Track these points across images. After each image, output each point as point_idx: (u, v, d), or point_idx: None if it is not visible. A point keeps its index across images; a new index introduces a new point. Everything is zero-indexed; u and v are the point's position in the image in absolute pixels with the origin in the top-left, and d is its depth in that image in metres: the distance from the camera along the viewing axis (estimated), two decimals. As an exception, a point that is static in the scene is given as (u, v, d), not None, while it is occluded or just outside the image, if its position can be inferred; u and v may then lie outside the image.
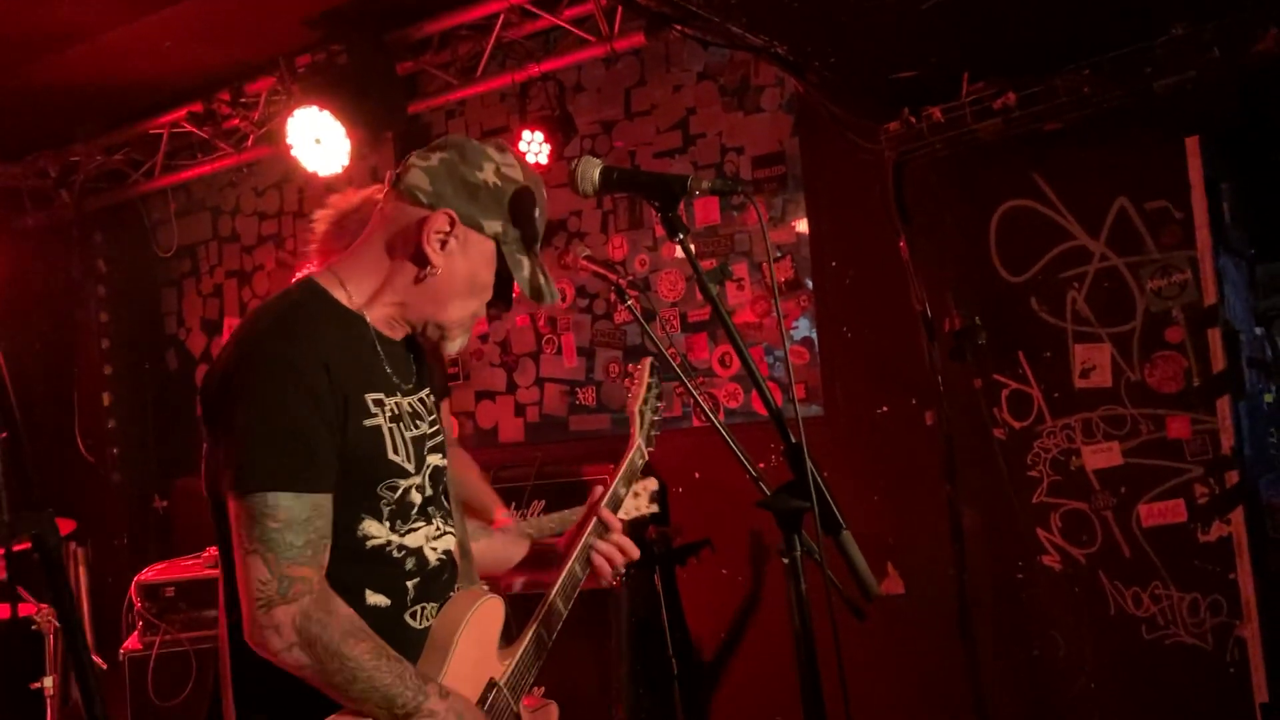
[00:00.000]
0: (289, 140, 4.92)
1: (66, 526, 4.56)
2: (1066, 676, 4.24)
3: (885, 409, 4.59)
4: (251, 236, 6.63)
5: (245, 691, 1.74)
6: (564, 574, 2.06)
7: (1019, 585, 4.34)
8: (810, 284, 4.87)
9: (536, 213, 1.81)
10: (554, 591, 2.03)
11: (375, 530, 1.74)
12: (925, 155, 4.35)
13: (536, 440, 5.46)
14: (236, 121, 5.56)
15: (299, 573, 1.62)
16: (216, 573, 4.83)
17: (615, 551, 2.11)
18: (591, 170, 1.81)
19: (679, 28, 3.91)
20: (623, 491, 2.22)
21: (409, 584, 1.80)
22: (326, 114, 4.82)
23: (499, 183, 1.78)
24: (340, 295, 1.79)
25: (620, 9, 4.47)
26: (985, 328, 4.37)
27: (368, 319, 1.79)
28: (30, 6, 4.42)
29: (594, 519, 2.12)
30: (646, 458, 2.36)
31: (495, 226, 1.78)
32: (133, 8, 4.52)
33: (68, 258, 6.57)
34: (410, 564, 1.80)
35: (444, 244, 1.76)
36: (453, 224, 1.75)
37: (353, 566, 1.72)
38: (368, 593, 1.74)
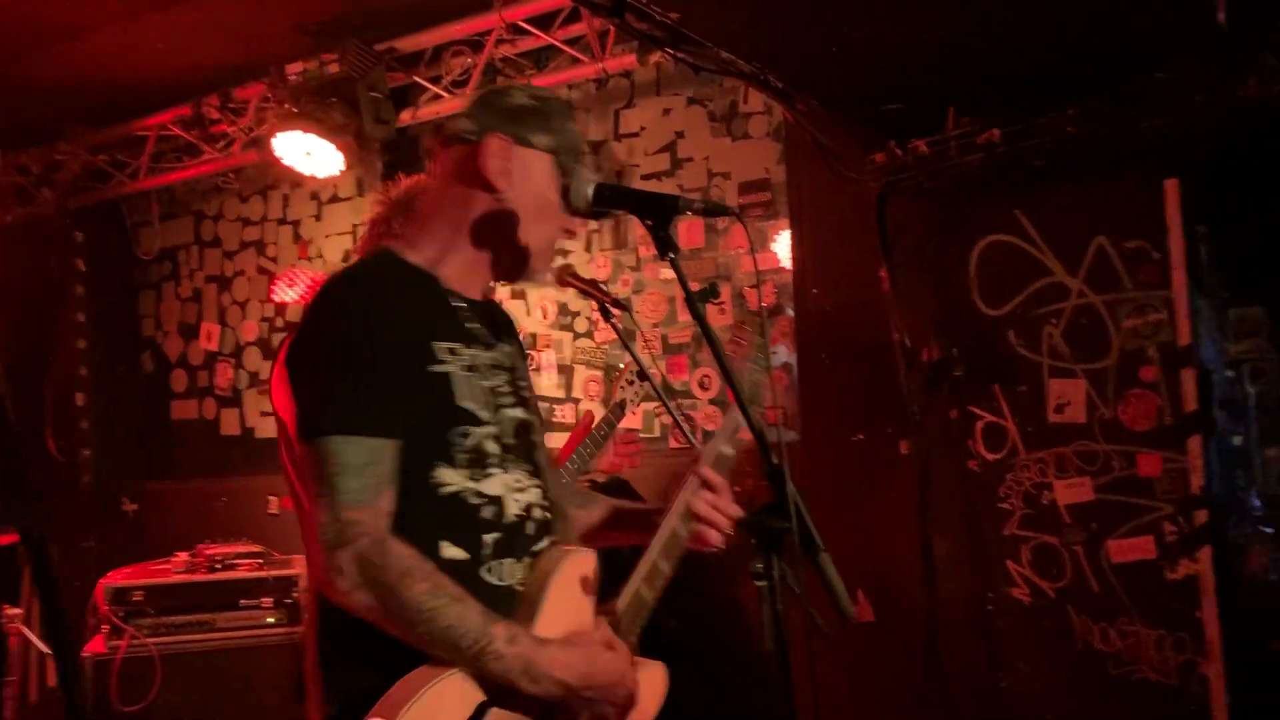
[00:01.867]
0: (277, 153, 4.95)
1: (34, 526, 4.50)
2: (1033, 709, 4.25)
3: (861, 436, 4.62)
4: (234, 242, 6.60)
5: (329, 647, 1.73)
6: (665, 530, 1.92)
7: (988, 616, 4.36)
8: (790, 310, 4.90)
9: (575, 125, 1.87)
10: (656, 549, 1.91)
11: (449, 477, 1.73)
12: (909, 187, 4.39)
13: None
14: (224, 126, 5.55)
15: (355, 515, 1.61)
16: (185, 578, 4.74)
17: (715, 513, 1.95)
18: (586, 186, 1.82)
19: (671, 52, 3.94)
20: (729, 451, 2.07)
21: (486, 537, 1.75)
22: (312, 137, 4.85)
23: (536, 103, 1.84)
24: (413, 257, 1.82)
25: (613, 30, 4.50)
26: (962, 360, 4.40)
27: (439, 275, 1.82)
28: (23, 2, 4.41)
29: (693, 477, 1.98)
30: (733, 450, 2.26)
31: (546, 140, 1.82)
32: (127, 8, 4.51)
33: (47, 256, 6.53)
34: (488, 512, 1.76)
35: (503, 168, 1.80)
36: (506, 146, 1.80)
37: (428, 516, 1.70)
38: (443, 545, 1.71)
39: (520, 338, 2.04)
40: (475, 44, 4.85)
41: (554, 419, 5.43)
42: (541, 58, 5.01)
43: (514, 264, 1.85)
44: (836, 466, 4.62)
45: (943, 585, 4.42)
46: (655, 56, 4.47)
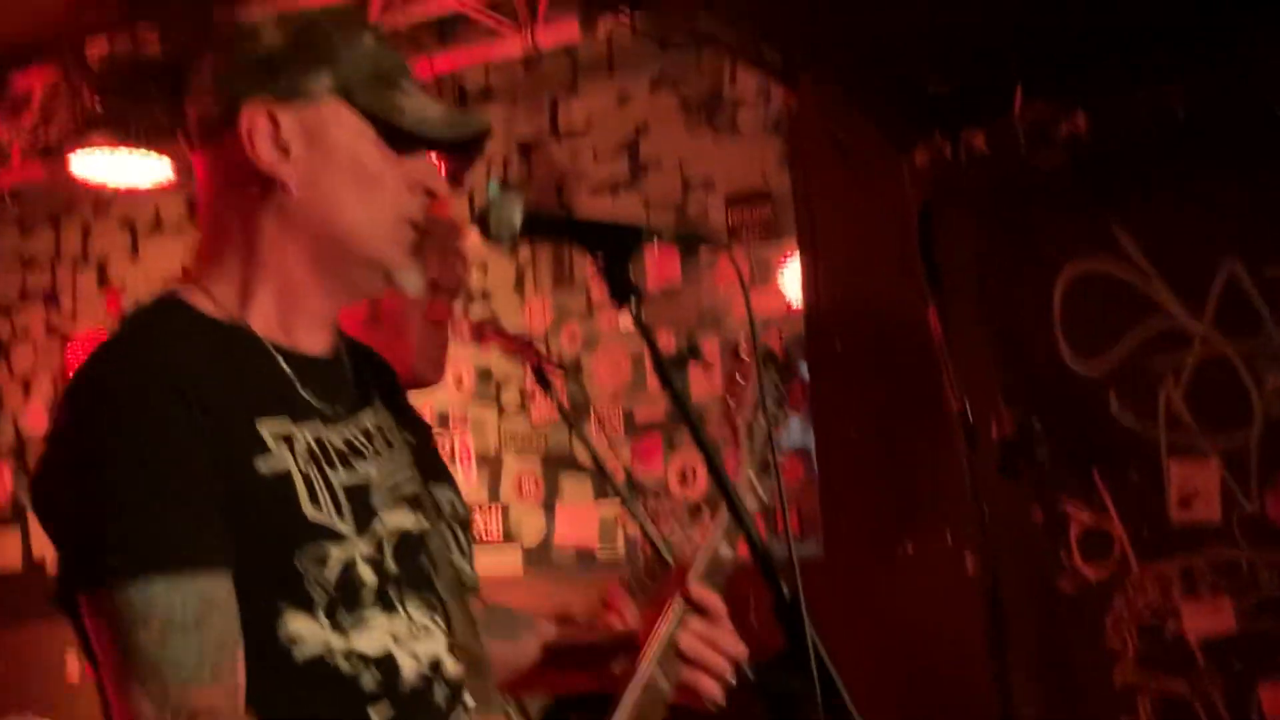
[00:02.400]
0: (76, 170, 4.95)
1: None
2: None
3: (909, 549, 4.60)
4: (12, 291, 6.55)
5: None
6: (638, 680, 1.86)
7: (1096, 800, 4.34)
8: (805, 370, 4.91)
9: (370, 38, 1.75)
10: (628, 708, 1.85)
11: (304, 629, 1.60)
12: (963, 196, 4.43)
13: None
14: (-3, 129, 5.55)
15: (200, 699, 1.49)
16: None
17: (710, 651, 1.92)
18: (511, 210, 1.79)
19: (627, 17, 3.98)
20: (726, 552, 2.03)
21: (373, 713, 1.65)
22: (123, 154, 4.86)
23: (295, 32, 1.73)
24: (205, 304, 1.72)
25: (546, -11, 4.55)
26: (1047, 435, 4.41)
27: (252, 327, 1.72)
28: None
29: (677, 599, 1.92)
30: (763, 496, 2.20)
31: (325, 79, 1.71)
32: None
33: None
34: (370, 681, 1.65)
35: (281, 147, 1.69)
36: (270, 115, 1.69)
37: (278, 692, 1.58)
38: None
39: (402, 395, 1.96)
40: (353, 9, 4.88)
41: (475, 534, 5.38)
42: (446, 28, 5.04)
43: (355, 276, 1.77)
44: (876, 592, 4.60)
45: (1031, 757, 4.39)
46: (606, 25, 4.51)
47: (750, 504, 2.15)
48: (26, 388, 6.51)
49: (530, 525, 5.33)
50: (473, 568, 2.49)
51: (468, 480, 5.43)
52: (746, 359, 2.29)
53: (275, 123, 1.68)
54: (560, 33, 4.65)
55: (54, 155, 5.17)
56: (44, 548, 6.34)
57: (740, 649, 1.95)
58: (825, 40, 3.97)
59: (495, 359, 5.35)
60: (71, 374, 1.65)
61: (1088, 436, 4.38)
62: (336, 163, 1.72)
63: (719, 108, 5.16)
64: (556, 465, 5.31)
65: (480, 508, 5.40)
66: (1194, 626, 4.21)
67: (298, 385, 1.72)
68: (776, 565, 1.73)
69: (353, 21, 1.80)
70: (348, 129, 1.72)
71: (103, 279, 6.34)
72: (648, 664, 1.89)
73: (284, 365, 1.72)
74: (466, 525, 2.32)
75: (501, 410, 5.46)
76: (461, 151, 1.81)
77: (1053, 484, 4.42)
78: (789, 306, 4.99)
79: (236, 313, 1.72)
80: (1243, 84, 3.91)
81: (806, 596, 1.71)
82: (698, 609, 1.94)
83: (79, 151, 4.96)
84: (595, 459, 3.76)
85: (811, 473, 4.85)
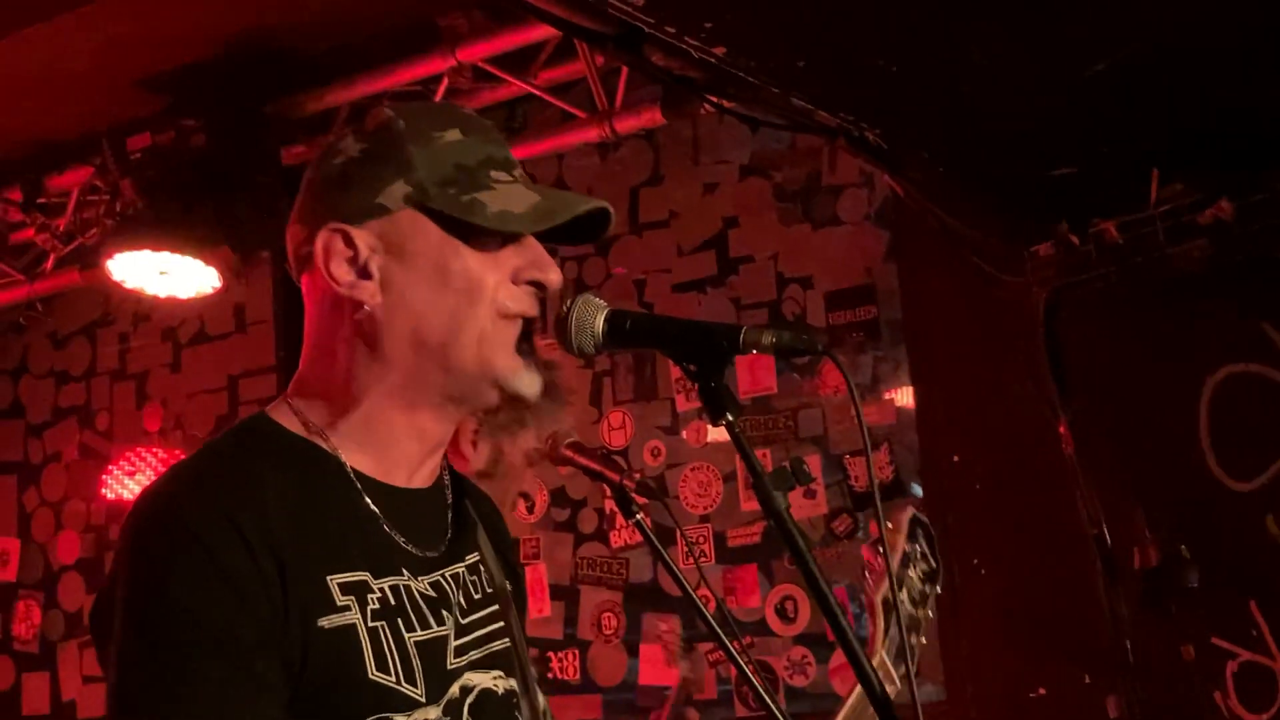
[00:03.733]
0: (113, 274, 5.01)
1: None
2: None
3: (1042, 691, 4.54)
4: (44, 410, 6.66)
5: None
6: None
7: None
8: (918, 489, 4.87)
9: (456, 131, 1.79)
10: None
11: None
12: (1095, 293, 4.41)
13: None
14: (28, 232, 5.65)
15: None
16: None
17: None
18: (594, 316, 1.79)
19: (714, 100, 4.01)
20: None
21: None
22: (164, 256, 4.92)
23: (366, 144, 1.79)
24: (294, 426, 1.78)
25: (625, 71, 4.61)
26: (1197, 562, 4.35)
27: (342, 457, 1.76)
28: None
29: None
30: (898, 684, 2.27)
31: (398, 189, 1.75)
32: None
33: None
34: None
35: (360, 266, 1.75)
36: (345, 235, 1.75)
37: None
38: None
39: (507, 539, 2.00)
40: (414, 97, 4.95)
41: (550, 673, 5.36)
42: (517, 113, 5.12)
43: (461, 390, 1.79)
44: (1004, 740, 4.54)
45: None
46: (691, 108, 4.55)
47: (889, 691, 2.16)
48: (58, 515, 6.58)
49: (610, 664, 5.30)
50: None
51: (541, 614, 5.41)
52: (891, 528, 2.32)
53: (351, 243, 1.74)
54: (641, 118, 4.68)
55: (90, 260, 5.26)
56: (73, 690, 6.39)
57: None
58: (934, 120, 3.99)
59: (570, 478, 5.35)
60: (139, 496, 1.69)
61: (1243, 563, 4.31)
62: (421, 274, 1.75)
63: (816, 196, 5.18)
64: (638, 596, 5.29)
65: (555, 645, 5.38)
66: (1374, 780, 4.12)
67: (383, 522, 1.75)
68: (890, 708, 1.72)
69: (434, 117, 1.84)
70: (428, 237, 1.75)
71: (142, 395, 6.42)
72: None
73: (369, 501, 1.75)
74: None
75: (578, 536, 5.45)
76: (575, 236, 1.83)
77: (1204, 617, 4.35)
78: (899, 416, 4.96)
79: (327, 437, 1.76)
80: None
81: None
82: None
83: (117, 255, 5.01)
84: (684, 587, 3.73)
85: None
